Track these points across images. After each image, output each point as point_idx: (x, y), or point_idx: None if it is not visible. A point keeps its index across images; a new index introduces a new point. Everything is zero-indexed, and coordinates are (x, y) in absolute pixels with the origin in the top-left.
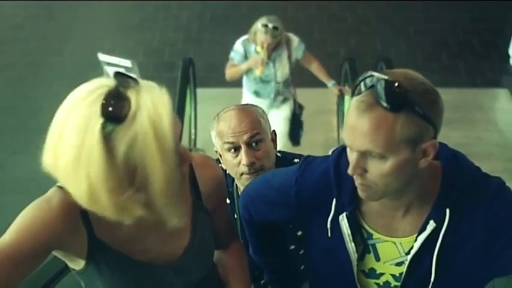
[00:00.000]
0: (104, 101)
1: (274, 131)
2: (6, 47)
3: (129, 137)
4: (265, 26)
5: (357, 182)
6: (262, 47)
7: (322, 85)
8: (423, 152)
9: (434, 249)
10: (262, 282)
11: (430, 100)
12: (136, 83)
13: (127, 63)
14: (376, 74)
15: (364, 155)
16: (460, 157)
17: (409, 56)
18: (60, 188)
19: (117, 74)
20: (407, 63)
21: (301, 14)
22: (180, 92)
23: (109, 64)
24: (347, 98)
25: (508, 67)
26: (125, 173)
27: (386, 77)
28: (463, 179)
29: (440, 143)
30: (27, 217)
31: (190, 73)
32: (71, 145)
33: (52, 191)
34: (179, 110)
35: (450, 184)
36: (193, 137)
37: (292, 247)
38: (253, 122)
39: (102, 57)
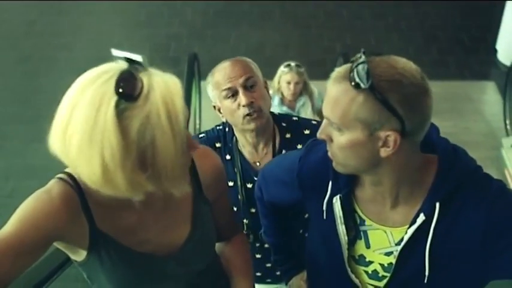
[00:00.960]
0: (117, 80)
1: (266, 81)
2: (21, 41)
3: (142, 116)
4: (288, 65)
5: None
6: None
7: (320, 77)
8: (383, 141)
9: (426, 244)
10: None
11: (401, 92)
12: (146, 68)
13: (138, 58)
14: (363, 54)
15: (330, 123)
16: (460, 152)
17: (401, 50)
18: (60, 179)
19: (128, 59)
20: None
21: (299, 10)
22: (187, 85)
23: (121, 59)
24: None
25: (495, 61)
26: (138, 151)
27: (363, 57)
28: (458, 174)
29: (442, 137)
30: (28, 208)
31: (195, 67)
32: (84, 122)
33: (52, 183)
34: (185, 103)
35: (444, 178)
36: (198, 126)
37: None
38: (245, 67)
39: (115, 52)
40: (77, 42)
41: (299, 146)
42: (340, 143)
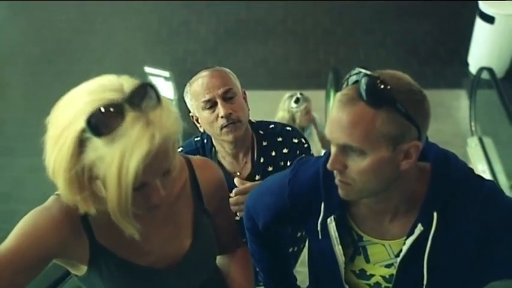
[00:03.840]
0: (94, 110)
1: (244, 91)
2: (58, 58)
3: (98, 153)
4: (297, 99)
5: (337, 178)
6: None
7: (316, 87)
8: (405, 153)
9: (424, 252)
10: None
11: (414, 100)
12: (151, 106)
13: (166, 74)
14: (362, 70)
15: (344, 149)
16: (452, 158)
17: (386, 63)
18: (59, 195)
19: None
20: (385, 69)
21: (298, 28)
22: None
23: (152, 75)
24: (332, 96)
25: (467, 72)
26: (87, 175)
27: (370, 73)
28: (452, 181)
29: (431, 143)
30: (29, 225)
31: None
32: (56, 127)
33: (51, 200)
34: None
35: (438, 187)
36: None
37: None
38: (225, 78)
39: (147, 69)
40: (107, 57)
41: (273, 153)
42: (363, 166)
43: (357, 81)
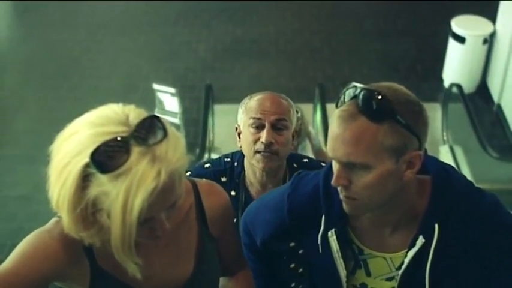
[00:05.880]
0: (99, 146)
1: (296, 130)
2: (70, 74)
3: (102, 189)
4: None
5: (341, 194)
6: None
7: (305, 101)
8: (408, 163)
9: (426, 265)
10: None
11: (413, 111)
12: (158, 140)
13: (172, 90)
14: (358, 84)
15: (347, 165)
16: (451, 171)
17: (369, 78)
18: (61, 218)
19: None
20: (369, 84)
21: (289, 46)
22: (205, 108)
23: (160, 91)
24: (318, 109)
25: (442, 87)
26: (91, 211)
27: (368, 87)
28: (452, 193)
29: (430, 156)
30: (29, 247)
31: (210, 95)
32: (59, 158)
33: (53, 222)
34: (204, 123)
35: (439, 199)
36: (211, 139)
37: (292, 265)
38: (284, 108)
39: (155, 86)
40: (114, 73)
41: None
42: (368, 181)
43: (354, 96)
